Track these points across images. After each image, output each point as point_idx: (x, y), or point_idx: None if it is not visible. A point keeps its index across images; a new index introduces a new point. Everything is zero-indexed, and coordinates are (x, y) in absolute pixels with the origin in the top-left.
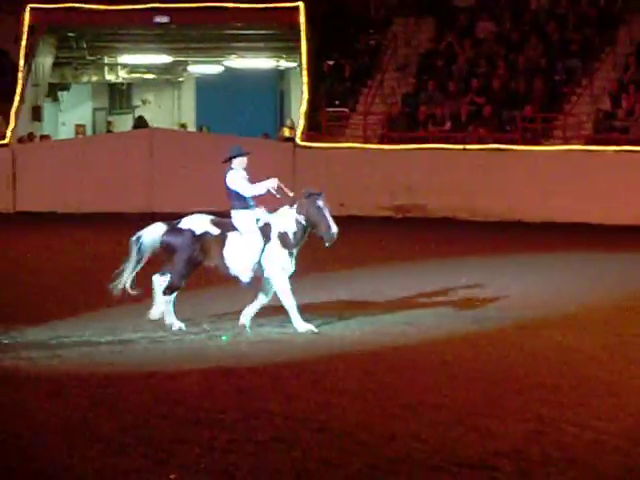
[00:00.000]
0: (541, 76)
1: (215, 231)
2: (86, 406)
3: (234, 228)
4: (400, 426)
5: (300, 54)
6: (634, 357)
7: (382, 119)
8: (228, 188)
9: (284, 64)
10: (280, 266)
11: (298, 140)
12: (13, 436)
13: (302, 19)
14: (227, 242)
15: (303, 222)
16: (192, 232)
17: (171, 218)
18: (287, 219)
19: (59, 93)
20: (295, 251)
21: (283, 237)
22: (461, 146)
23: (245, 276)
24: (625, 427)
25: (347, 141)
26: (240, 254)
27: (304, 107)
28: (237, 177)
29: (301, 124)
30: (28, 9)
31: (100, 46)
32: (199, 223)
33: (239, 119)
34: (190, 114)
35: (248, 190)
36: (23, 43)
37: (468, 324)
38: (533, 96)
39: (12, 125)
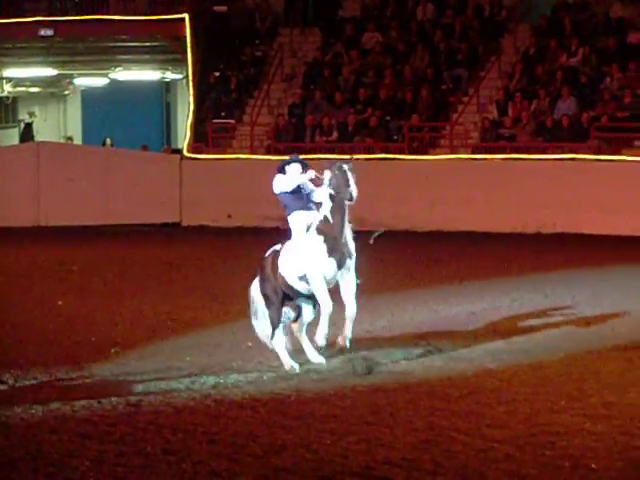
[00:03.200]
0: (428, 85)
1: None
2: None
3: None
4: (290, 437)
5: (186, 66)
6: (521, 362)
7: (269, 130)
8: (276, 195)
9: (170, 76)
10: (317, 266)
11: (185, 152)
12: None
13: (188, 31)
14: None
15: (332, 191)
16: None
17: (58, 231)
18: (324, 200)
19: None
20: (340, 244)
21: (322, 227)
22: (348, 156)
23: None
24: (515, 435)
25: (234, 152)
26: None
27: (190, 119)
28: (277, 179)
29: (188, 136)
30: None
31: None
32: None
33: (126, 131)
34: (77, 127)
35: (283, 184)
36: None
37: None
38: (420, 105)
39: None
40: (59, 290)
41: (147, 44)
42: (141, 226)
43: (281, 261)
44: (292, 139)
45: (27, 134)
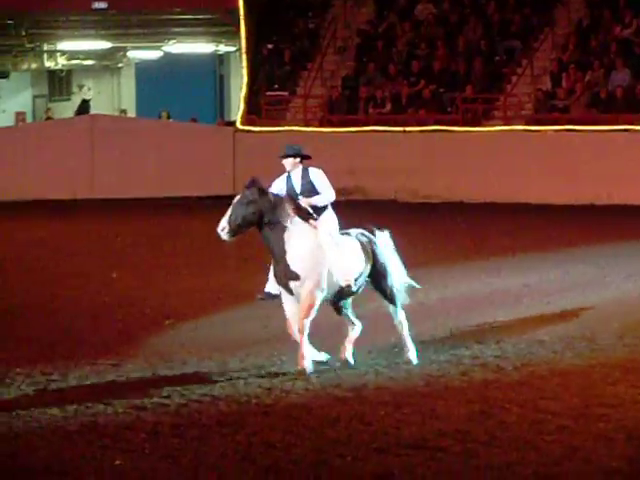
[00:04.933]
0: (481, 57)
1: None
2: (30, 394)
3: None
4: (344, 409)
5: (239, 38)
6: (575, 333)
7: (322, 102)
8: None
9: (223, 49)
10: None
11: (238, 124)
12: None
13: (241, 3)
14: None
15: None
16: None
17: (112, 204)
18: None
19: None
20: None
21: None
22: (401, 128)
23: None
24: (569, 406)
25: (287, 125)
26: None
27: (244, 91)
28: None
29: (241, 108)
30: None
31: (39, 33)
32: None
33: (179, 104)
34: (130, 100)
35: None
36: None
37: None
38: (473, 77)
39: None
40: (113, 262)
41: (201, 16)
42: (195, 199)
43: None
44: (345, 111)
45: (84, 111)
